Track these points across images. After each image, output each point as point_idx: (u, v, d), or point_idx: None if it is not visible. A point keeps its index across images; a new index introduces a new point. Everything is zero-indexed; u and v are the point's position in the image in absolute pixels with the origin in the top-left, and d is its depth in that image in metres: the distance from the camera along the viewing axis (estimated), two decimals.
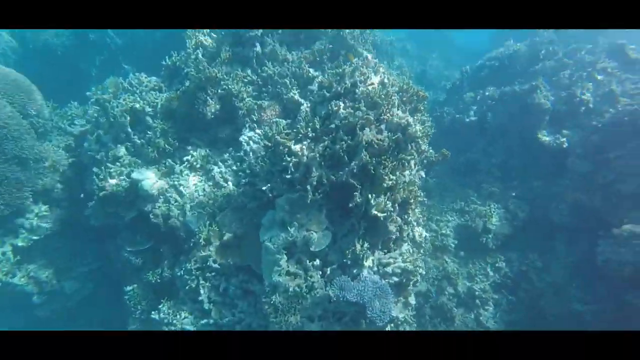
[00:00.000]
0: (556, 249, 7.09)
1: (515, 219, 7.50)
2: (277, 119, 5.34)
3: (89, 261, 6.30)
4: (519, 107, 7.87)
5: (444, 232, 7.64)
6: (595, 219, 6.63)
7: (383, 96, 4.19)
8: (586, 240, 6.62)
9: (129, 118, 5.22)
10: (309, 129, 4.16)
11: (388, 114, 4.21)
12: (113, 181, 4.84)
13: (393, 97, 4.29)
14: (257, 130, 5.43)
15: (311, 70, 5.46)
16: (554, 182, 7.49)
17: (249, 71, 5.59)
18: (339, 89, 4.14)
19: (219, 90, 5.20)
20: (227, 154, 5.51)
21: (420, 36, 18.46)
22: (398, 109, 4.35)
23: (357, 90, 4.19)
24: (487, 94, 8.93)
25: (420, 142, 4.33)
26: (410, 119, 4.25)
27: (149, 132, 5.18)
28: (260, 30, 5.49)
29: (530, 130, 7.75)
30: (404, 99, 4.49)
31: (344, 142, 4.04)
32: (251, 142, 5.34)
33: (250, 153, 5.18)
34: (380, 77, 4.48)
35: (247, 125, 5.44)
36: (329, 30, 5.81)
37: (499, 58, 9.40)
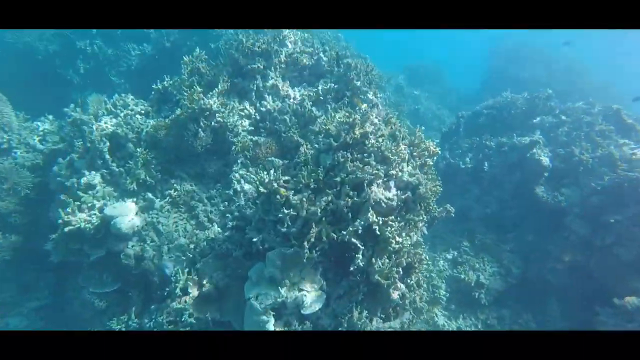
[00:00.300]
0: (550, 310, 6.82)
1: (509, 275, 7.22)
2: (273, 158, 4.94)
3: (42, 296, 5.55)
4: (517, 160, 7.75)
5: (435, 282, 7.26)
6: (593, 283, 6.42)
7: (394, 151, 3.85)
8: (582, 304, 6.38)
9: (108, 143, 4.70)
10: (311, 180, 3.75)
11: (398, 170, 3.87)
12: (82, 215, 4.26)
13: (404, 152, 3.97)
14: (250, 169, 4.99)
15: (314, 109, 5.12)
16: (549, 239, 7.29)
17: (246, 104, 5.20)
18: (348, 139, 3.79)
19: (213, 123, 4.77)
20: (215, 190, 5.03)
21: (415, 74, 18.77)
22: (408, 165, 4.02)
23: (367, 142, 3.84)
24: (484, 142, 8.82)
25: (430, 202, 3.99)
26: (422, 177, 3.91)
27: (129, 162, 4.66)
28: (263, 63, 5.14)
29: (527, 185, 7.60)
30: (414, 153, 4.17)
31: (349, 199, 3.65)
32: (242, 181, 4.89)
33: (241, 194, 4.72)
34: (391, 128, 4.17)
35: (239, 162, 4.99)
36: (335, 69, 5.53)
37: (496, 107, 9.37)
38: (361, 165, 3.68)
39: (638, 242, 6.11)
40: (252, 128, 5.14)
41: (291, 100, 5.24)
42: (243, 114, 5.15)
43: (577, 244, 6.78)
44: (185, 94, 4.72)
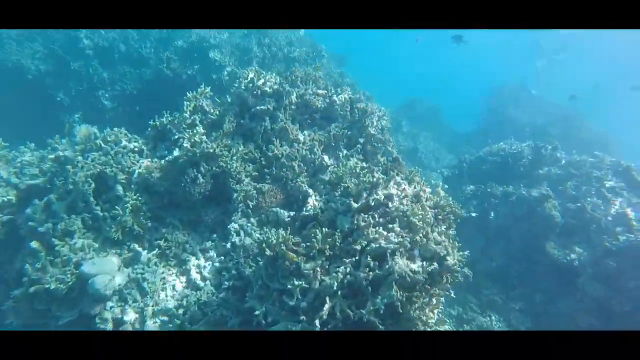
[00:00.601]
0: None
1: None
2: (278, 210, 4.47)
3: None
4: (526, 213, 7.44)
5: None
6: None
7: (420, 215, 3.43)
8: None
9: (93, 185, 4.17)
10: (327, 246, 3.28)
11: (423, 236, 3.44)
12: (54, 272, 3.66)
13: (429, 217, 3.55)
14: (252, 219, 4.50)
15: (325, 157, 4.72)
16: (560, 300, 6.88)
17: (251, 146, 4.77)
18: (370, 200, 3.35)
19: (214, 168, 4.30)
20: (210, 242, 4.50)
21: (411, 110, 18.84)
22: (433, 231, 3.59)
23: (390, 205, 3.41)
24: (489, 190, 8.53)
25: (457, 275, 3.54)
26: (449, 246, 3.48)
27: (116, 207, 4.12)
28: (273, 104, 4.77)
29: (536, 240, 7.26)
30: (439, 216, 3.76)
31: (370, 271, 3.17)
32: (242, 233, 4.39)
33: (240, 249, 4.20)
34: (415, 188, 3.77)
35: (239, 211, 4.50)
36: (348, 114, 5.19)
37: (501, 155, 9.17)
38: (385, 233, 3.24)
39: None
40: (257, 173, 4.69)
41: (300, 145, 4.84)
42: (247, 157, 4.71)
43: (592, 307, 6.39)
44: (186, 134, 4.27)
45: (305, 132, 5.03)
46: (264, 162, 4.71)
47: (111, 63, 9.66)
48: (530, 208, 7.37)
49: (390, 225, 3.29)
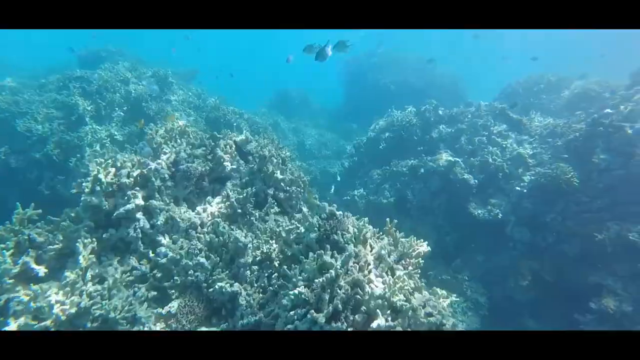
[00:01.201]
0: (529, 328, 6.59)
1: (479, 307, 6.79)
2: (206, 331, 3.24)
3: None
4: (440, 183, 7.45)
5: None
6: (557, 287, 6.36)
7: (397, 287, 2.64)
8: (558, 313, 6.26)
9: None
10: None
11: (409, 312, 2.69)
12: None
13: (405, 280, 2.80)
14: None
15: (236, 232, 3.58)
16: (496, 253, 7.14)
17: (132, 261, 3.34)
18: (338, 304, 2.42)
19: (91, 324, 2.83)
20: None
21: (280, 104, 18.16)
22: (413, 293, 2.86)
23: (361, 292, 2.54)
24: (395, 169, 8.40)
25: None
26: (439, 307, 2.82)
27: None
28: (142, 193, 3.37)
29: (458, 205, 7.35)
30: (410, 267, 3.05)
31: None
32: None
33: None
34: (370, 245, 2.96)
35: None
36: (242, 163, 4.08)
37: (392, 130, 9.10)
38: None
39: (575, 235, 6.25)
40: (155, 293, 3.32)
41: (199, 229, 3.59)
42: (133, 278, 3.29)
43: (525, 251, 6.72)
44: (20, 299, 2.66)
45: (199, 208, 3.77)
46: (159, 275, 3.34)
47: None
48: (443, 177, 7.39)
49: (375, 324, 2.43)
